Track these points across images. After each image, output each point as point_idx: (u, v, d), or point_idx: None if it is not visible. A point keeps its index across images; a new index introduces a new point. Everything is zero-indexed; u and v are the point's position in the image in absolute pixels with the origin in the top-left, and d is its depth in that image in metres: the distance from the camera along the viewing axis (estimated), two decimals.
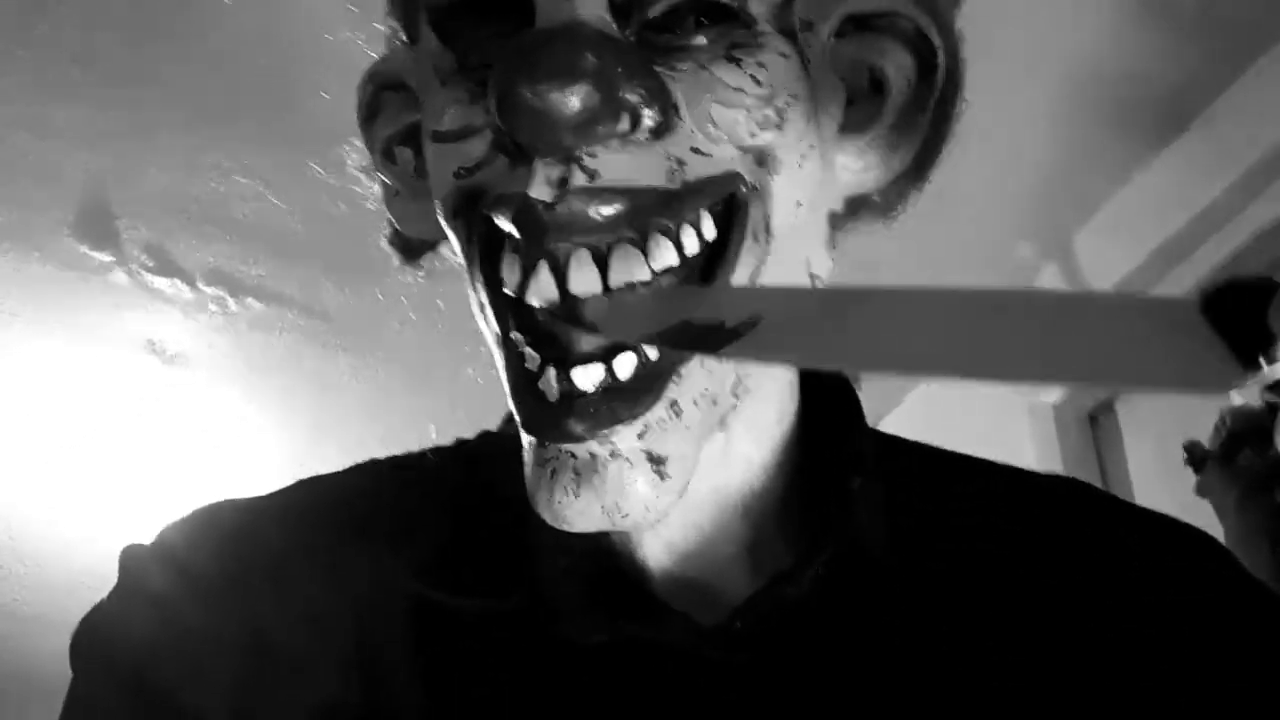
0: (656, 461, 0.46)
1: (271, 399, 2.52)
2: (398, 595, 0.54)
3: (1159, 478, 1.88)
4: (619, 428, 0.45)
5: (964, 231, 1.94)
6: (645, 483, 0.46)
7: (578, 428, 0.45)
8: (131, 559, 0.57)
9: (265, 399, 2.51)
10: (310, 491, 0.60)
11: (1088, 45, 1.71)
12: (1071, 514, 0.60)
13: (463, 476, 0.60)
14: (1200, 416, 1.52)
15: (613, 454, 0.46)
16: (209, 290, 2.22)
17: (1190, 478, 1.51)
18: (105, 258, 2.14)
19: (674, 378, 0.47)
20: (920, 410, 2.35)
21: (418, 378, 2.44)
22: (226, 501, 0.59)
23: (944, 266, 2.00)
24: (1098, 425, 2.09)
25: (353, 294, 2.23)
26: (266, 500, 0.60)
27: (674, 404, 0.47)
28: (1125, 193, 1.96)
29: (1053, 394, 2.08)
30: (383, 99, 0.60)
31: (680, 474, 0.47)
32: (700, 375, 0.48)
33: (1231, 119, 1.79)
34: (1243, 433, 1.41)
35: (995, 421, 2.14)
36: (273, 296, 2.24)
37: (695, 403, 0.48)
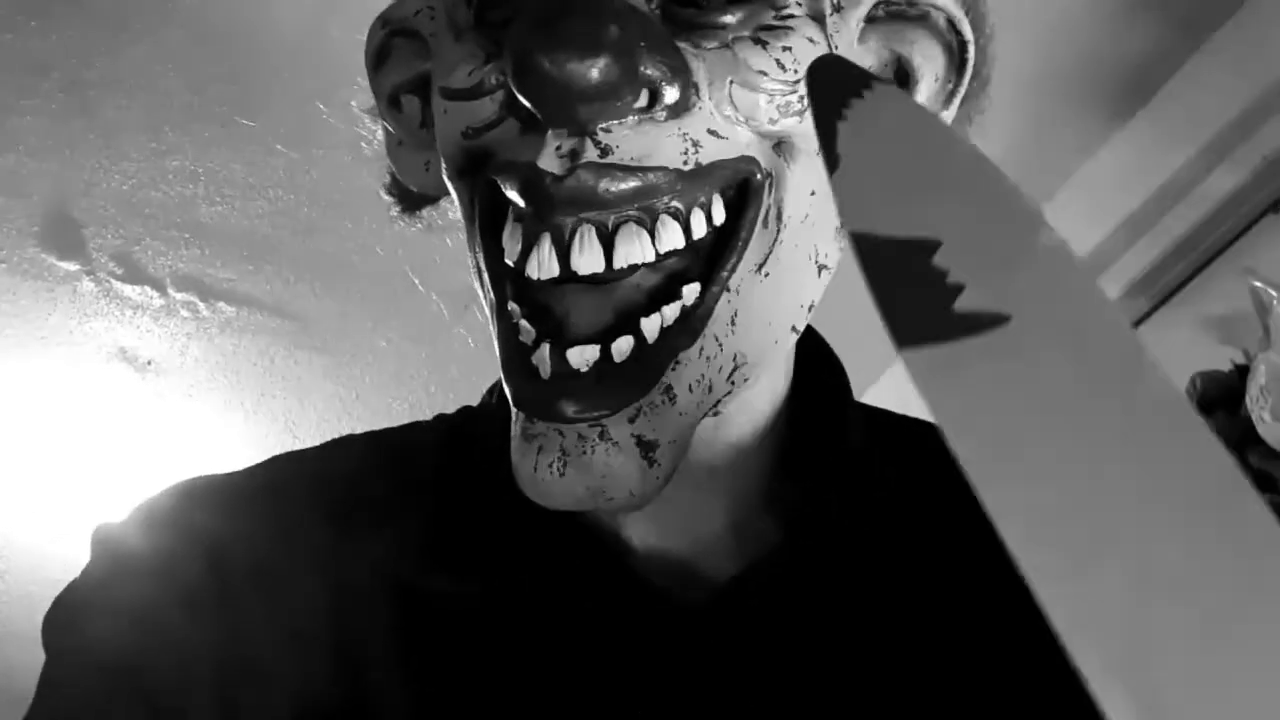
0: (646, 447, 0.45)
1: (246, 402, 2.50)
2: (377, 579, 0.54)
3: None
4: (610, 412, 0.44)
5: None
6: (633, 468, 0.45)
7: (569, 409, 0.44)
8: (105, 537, 0.56)
9: (239, 403, 2.50)
10: (288, 469, 0.59)
11: (1050, 23, 1.72)
12: None
13: (444, 455, 0.59)
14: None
15: (602, 436, 0.44)
16: (179, 296, 2.21)
17: None
18: (72, 267, 2.12)
19: (671, 364, 0.46)
20: (899, 389, 2.36)
21: (391, 377, 2.44)
22: (201, 478, 0.58)
23: None
24: None
25: (324, 294, 2.22)
26: (244, 477, 0.58)
27: (669, 390, 0.46)
28: (1090, 167, 1.98)
29: None
30: (393, 44, 0.58)
31: (669, 460, 0.46)
32: (698, 363, 0.47)
33: (1190, 92, 1.81)
34: (1213, 396, 1.42)
35: None
36: (243, 300, 2.23)
37: (690, 389, 0.46)
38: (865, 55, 0.53)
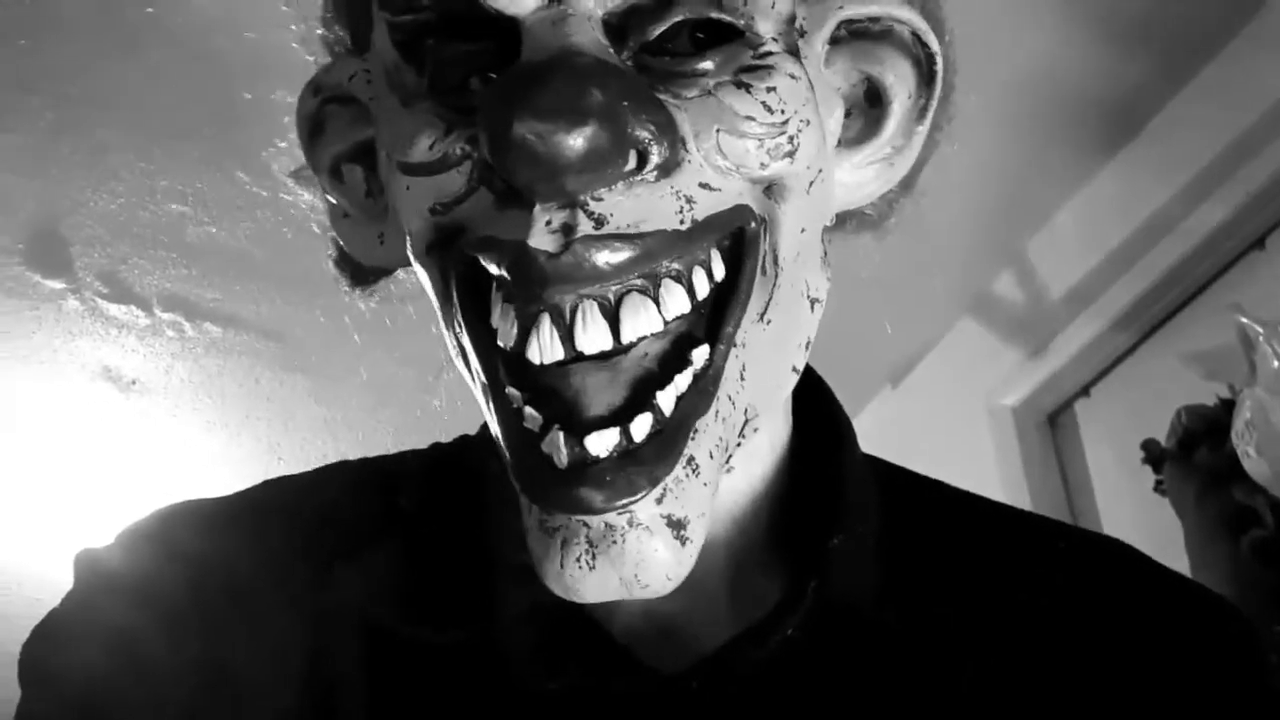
0: (676, 527, 0.42)
1: (230, 423, 2.49)
2: (349, 615, 0.52)
3: (1118, 477, 1.91)
4: (639, 497, 0.41)
5: (924, 242, 1.96)
6: (666, 549, 0.42)
7: (595, 499, 0.41)
8: (88, 562, 0.55)
9: (224, 423, 2.48)
10: (271, 496, 0.58)
11: (1037, 58, 1.73)
12: (1085, 575, 0.56)
13: (428, 488, 0.58)
14: (1157, 416, 1.54)
15: (631, 523, 0.41)
16: (165, 315, 2.20)
17: (1148, 476, 1.53)
18: (58, 285, 2.11)
19: (691, 433, 0.43)
20: (883, 416, 2.36)
21: (377, 397, 2.43)
22: (185, 505, 0.57)
23: (905, 276, 2.02)
24: (1056, 426, 2.11)
25: (309, 315, 2.21)
26: (228, 503, 0.57)
27: (691, 460, 0.43)
28: (1076, 201, 1.99)
29: (1011, 397, 2.10)
30: (327, 113, 0.54)
31: (699, 534, 0.43)
32: (715, 426, 0.44)
33: (1176, 128, 1.82)
34: (1199, 430, 1.41)
35: (956, 426, 2.16)
36: (229, 320, 2.22)
37: (711, 455, 0.44)
38: (834, 79, 0.51)
